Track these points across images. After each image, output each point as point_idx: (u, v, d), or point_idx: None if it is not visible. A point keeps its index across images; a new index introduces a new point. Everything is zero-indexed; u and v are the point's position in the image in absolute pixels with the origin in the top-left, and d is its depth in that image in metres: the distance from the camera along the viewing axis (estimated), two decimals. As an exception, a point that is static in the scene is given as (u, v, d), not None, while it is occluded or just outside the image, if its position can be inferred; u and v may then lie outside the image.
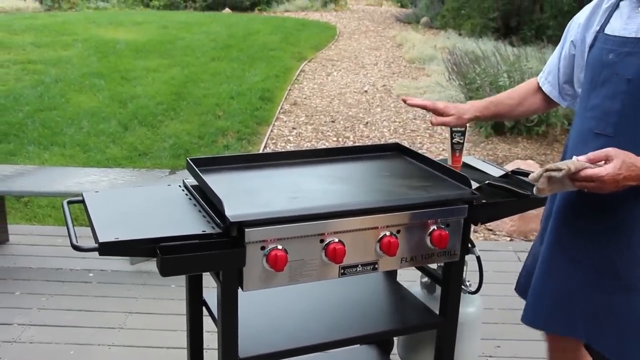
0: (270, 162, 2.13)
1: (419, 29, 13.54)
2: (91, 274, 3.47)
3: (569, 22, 1.96)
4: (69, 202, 1.92)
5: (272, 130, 6.30)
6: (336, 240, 1.70)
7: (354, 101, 7.53)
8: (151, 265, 3.52)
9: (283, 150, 2.22)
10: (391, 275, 2.36)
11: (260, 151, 5.69)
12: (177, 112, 6.67)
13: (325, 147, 5.50)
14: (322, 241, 1.69)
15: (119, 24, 12.12)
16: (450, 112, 2.01)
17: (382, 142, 5.91)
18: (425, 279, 2.24)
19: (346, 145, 5.70)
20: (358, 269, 1.76)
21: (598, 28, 1.78)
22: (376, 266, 1.78)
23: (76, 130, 6.00)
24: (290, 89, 7.97)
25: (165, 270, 1.56)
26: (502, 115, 2.11)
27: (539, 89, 2.04)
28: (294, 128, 6.43)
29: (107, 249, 1.56)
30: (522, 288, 1.98)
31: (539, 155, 5.85)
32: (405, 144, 6.07)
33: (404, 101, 2.04)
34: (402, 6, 19.19)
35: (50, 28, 11.20)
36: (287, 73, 8.73)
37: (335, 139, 6.16)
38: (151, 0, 16.70)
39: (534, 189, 1.65)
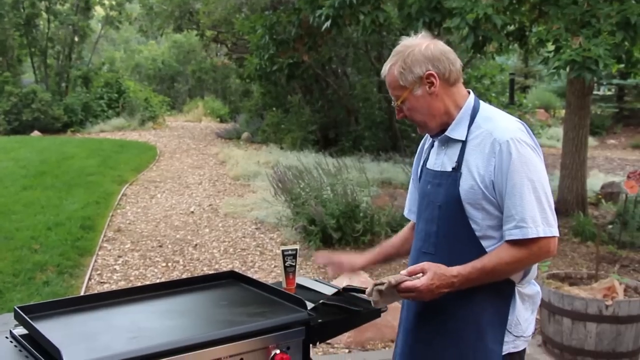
0: (105, 302, 2.09)
1: (240, 144, 13.89)
2: None
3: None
4: None
5: (96, 261, 6.01)
6: (181, 377, 1.69)
7: (181, 223, 7.49)
8: None
9: (117, 288, 2.19)
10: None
11: (85, 284, 5.39)
12: (-14, 249, 6.14)
13: (160, 280, 5.38)
14: (167, 379, 1.68)
15: None
16: (344, 264, 2.25)
17: (215, 268, 5.90)
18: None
19: (180, 277, 5.58)
20: (205, 403, 1.76)
21: (422, 163, 2.11)
22: (223, 397, 1.79)
23: None
24: (112, 215, 7.73)
25: None
26: (392, 257, 2.33)
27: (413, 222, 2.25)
28: (119, 256, 6.21)
29: None
30: None
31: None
32: (237, 263, 6.17)
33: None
34: (221, 121, 19.66)
35: None
36: (108, 198, 8.48)
37: (164, 264, 6.03)
38: (-56, 124, 15.42)
39: (371, 302, 1.86)
